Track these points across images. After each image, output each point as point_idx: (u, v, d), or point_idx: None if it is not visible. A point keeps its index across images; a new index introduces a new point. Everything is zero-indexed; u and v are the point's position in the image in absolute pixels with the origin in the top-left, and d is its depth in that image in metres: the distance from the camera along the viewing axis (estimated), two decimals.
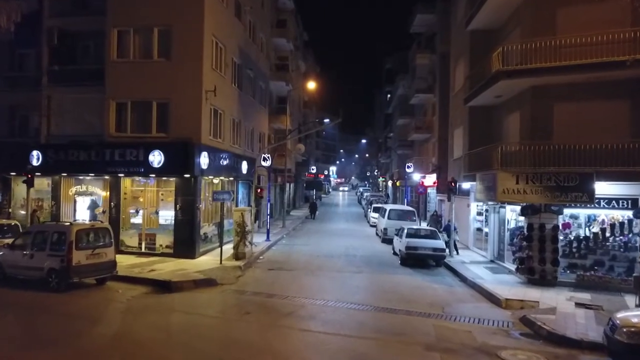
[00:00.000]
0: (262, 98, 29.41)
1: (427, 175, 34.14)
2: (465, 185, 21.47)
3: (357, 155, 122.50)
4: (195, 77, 18.28)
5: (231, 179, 22.59)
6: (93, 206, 19.74)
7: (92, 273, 13.76)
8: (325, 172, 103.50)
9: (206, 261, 17.97)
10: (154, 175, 18.43)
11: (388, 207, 26.14)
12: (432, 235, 19.40)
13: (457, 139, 23.03)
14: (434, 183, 32.48)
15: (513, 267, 17.24)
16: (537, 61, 14.73)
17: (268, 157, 24.38)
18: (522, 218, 16.49)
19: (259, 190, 20.69)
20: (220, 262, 17.39)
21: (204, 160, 18.18)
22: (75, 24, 19.95)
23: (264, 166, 24.42)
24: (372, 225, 33.49)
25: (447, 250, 19.52)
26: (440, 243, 18.75)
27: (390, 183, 48.97)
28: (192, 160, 17.69)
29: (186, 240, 18.30)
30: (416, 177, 35.93)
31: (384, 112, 63.00)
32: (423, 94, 34.73)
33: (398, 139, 46.61)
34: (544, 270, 15.13)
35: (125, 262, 17.01)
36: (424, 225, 27.79)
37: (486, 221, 21.09)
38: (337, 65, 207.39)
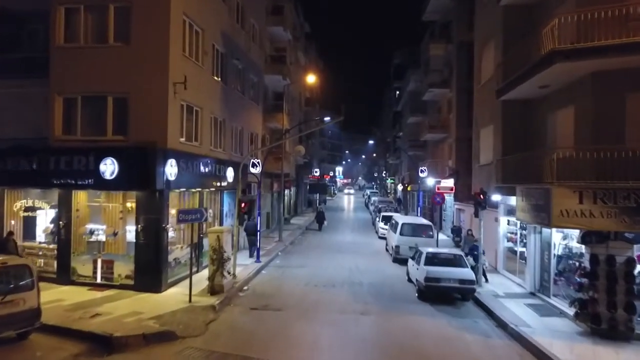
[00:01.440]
0: (255, 94, 25.68)
1: (442, 181, 30.26)
2: (495, 196, 17.59)
3: (364, 156, 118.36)
4: (160, 65, 14.58)
5: (212, 189, 18.91)
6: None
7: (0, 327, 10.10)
8: (331, 173, 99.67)
9: (174, 296, 14.29)
10: (108, 190, 14.81)
11: (400, 219, 22.30)
12: (457, 262, 15.54)
13: (485, 140, 19.15)
14: (451, 189, 28.59)
15: (563, 305, 13.43)
16: (600, 38, 10.90)
17: (258, 162, 20.64)
18: (576, 243, 12.68)
19: (242, 204, 16.96)
20: (190, 300, 13.68)
21: (170, 169, 14.49)
22: (17, 3, 16.33)
23: (253, 173, 20.71)
24: (380, 237, 29.70)
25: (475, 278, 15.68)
26: (468, 273, 14.90)
27: (400, 186, 45.09)
28: (154, 170, 13.99)
29: (150, 269, 14.64)
30: (430, 181, 32.04)
31: (392, 109, 59.10)
32: (438, 88, 30.85)
33: (408, 138, 42.73)
34: (614, 318, 11.28)
35: (69, 300, 13.47)
36: (442, 238, 23.97)
37: (522, 242, 17.21)
38: (342, 60, 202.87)
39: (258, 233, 20.74)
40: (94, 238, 15.44)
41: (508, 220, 18.74)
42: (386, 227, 29.53)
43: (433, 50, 30.93)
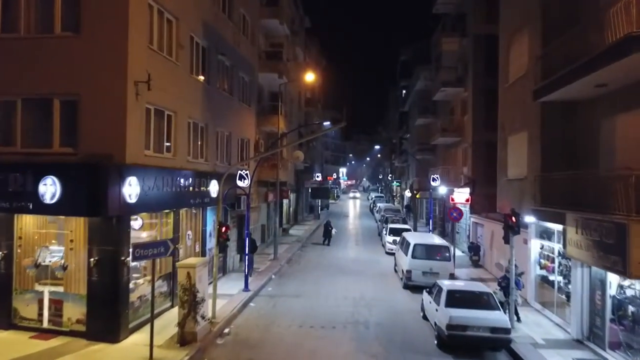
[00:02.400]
0: (246, 94, 22.78)
1: (456, 190, 27.31)
2: (529, 218, 14.61)
3: (368, 158, 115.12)
4: (117, 60, 11.70)
5: (191, 209, 16.05)
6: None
7: None
8: (335, 175, 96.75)
9: (133, 349, 11.44)
10: (50, 215, 11.98)
11: (411, 238, 19.31)
12: (486, 302, 12.58)
13: (515, 149, 16.16)
14: (467, 200, 25.64)
15: None
16: None
17: (246, 174, 17.71)
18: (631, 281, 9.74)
19: (223, 229, 14.04)
20: (150, 357, 10.80)
21: (130, 189, 11.61)
22: None
23: (240, 187, 17.80)
24: (388, 253, 26.77)
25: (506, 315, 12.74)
26: (501, 319, 11.93)
27: (407, 192, 42.07)
28: (106, 191, 11.12)
29: (106, 312, 11.81)
30: (442, 189, 29.07)
31: (398, 109, 56.05)
32: (451, 87, 27.87)
33: (417, 141, 39.72)
34: None
35: (2, 356, 10.66)
36: (457, 254, 20.89)
37: (562, 272, 14.25)
38: (345, 57, 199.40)
39: (247, 257, 17.81)
40: (40, 272, 12.64)
41: (542, 245, 15.77)
42: (394, 240, 26.64)
43: (445, 45, 27.95)
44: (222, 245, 14.46)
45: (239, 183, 17.68)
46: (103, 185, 11.10)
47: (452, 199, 26.54)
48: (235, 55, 20.42)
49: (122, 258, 11.80)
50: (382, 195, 64.41)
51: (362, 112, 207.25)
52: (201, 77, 16.75)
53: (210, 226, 18.26)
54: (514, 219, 13.50)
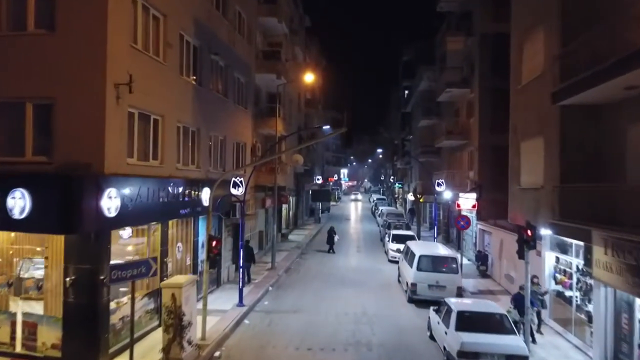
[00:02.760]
0: (242, 96, 21.73)
1: (462, 195, 26.21)
2: (545, 231, 13.51)
3: (370, 160, 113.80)
4: (95, 60, 10.65)
5: (181, 219, 14.99)
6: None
7: None
8: (336, 176, 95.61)
9: None
10: (20, 231, 10.94)
11: (416, 248, 18.20)
12: (501, 324, 11.50)
13: (529, 156, 15.05)
14: (473, 206, 24.55)
15: None
16: None
17: (240, 181, 16.64)
18: None
19: (213, 243, 12.95)
20: None
21: (110, 202, 10.55)
22: None
23: (234, 195, 16.73)
24: (391, 261, 25.70)
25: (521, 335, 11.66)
26: (518, 344, 10.84)
27: (410, 195, 40.94)
28: (80, 206, 10.06)
29: (83, 337, 10.76)
30: (447, 194, 27.99)
31: (400, 110, 54.89)
32: (456, 88, 26.77)
33: (420, 143, 38.60)
34: None
35: None
36: (463, 262, 19.68)
37: (580, 288, 13.16)
38: (346, 57, 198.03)
39: (241, 270, 16.75)
40: (14, 291, 11.61)
41: (557, 258, 14.68)
42: (397, 248, 25.57)
43: (450, 44, 26.84)
44: (212, 261, 13.37)
45: (233, 191, 16.62)
46: (77, 198, 10.04)
47: (458, 205, 25.47)
48: (230, 54, 19.36)
49: (102, 277, 10.74)
50: (384, 197, 63.02)
51: (362, 112, 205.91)
52: (192, 78, 15.70)
53: (203, 236, 17.20)
54: (529, 232, 12.40)
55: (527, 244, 12.51)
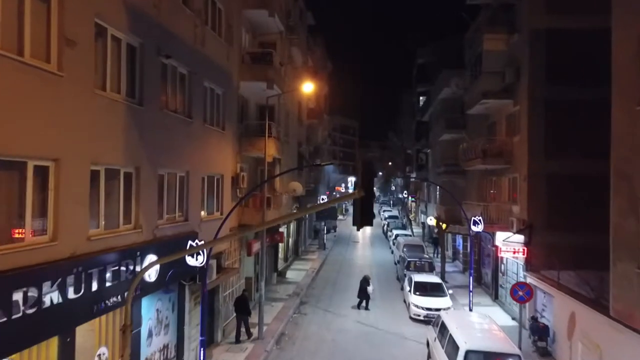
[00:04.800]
0: (218, 112, 16.41)
1: (502, 234, 20.67)
2: None
3: (380, 173, 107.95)
4: None
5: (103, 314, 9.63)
6: None
7: None
8: (343, 185, 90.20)
9: None
10: None
11: (459, 335, 12.63)
12: None
13: None
14: (522, 252, 19.01)
15: None
16: None
17: (201, 252, 11.23)
18: None
19: None
20: None
21: None
22: None
23: (191, 266, 11.39)
24: (414, 318, 20.26)
25: None
26: None
27: (430, 220, 35.39)
28: None
29: None
30: (476, 227, 22.28)
31: (415, 117, 49.34)
32: (496, 99, 21.28)
33: (442, 160, 33.04)
34: None
35: None
36: (504, 322, 13.90)
37: None
38: (354, 57, 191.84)
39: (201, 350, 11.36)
40: None
41: None
42: (423, 305, 20.15)
43: (488, 43, 21.31)
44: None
45: (190, 261, 11.23)
46: None
47: (499, 250, 19.94)
48: (196, 57, 14.02)
49: None
50: (397, 215, 57.13)
51: (371, 115, 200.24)
52: (124, 95, 10.35)
53: (149, 322, 11.88)
54: None
55: None
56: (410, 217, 54.88)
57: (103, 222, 9.66)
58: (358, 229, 6.65)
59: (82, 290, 8.55)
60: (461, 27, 29.99)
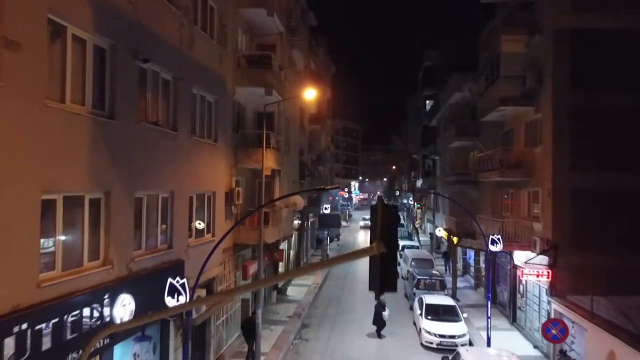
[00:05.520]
0: (209, 123, 14.73)
1: (521, 253, 18.97)
2: None
3: (385, 179, 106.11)
4: None
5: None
6: None
7: None
8: (346, 190, 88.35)
9: None
10: None
11: None
12: None
13: None
14: (546, 276, 17.25)
15: None
16: None
17: (182, 284, 9.57)
18: None
19: None
20: None
21: None
22: None
23: (170, 307, 9.74)
24: (425, 346, 18.51)
25: None
26: None
27: (439, 231, 33.65)
28: None
29: None
30: (494, 247, 20.46)
31: (421, 122, 47.61)
32: (515, 105, 19.55)
33: (451, 168, 31.30)
34: None
35: None
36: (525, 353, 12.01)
37: None
38: (356, 58, 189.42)
39: None
40: None
41: None
42: (435, 331, 18.39)
43: (506, 44, 19.56)
44: None
45: (169, 302, 9.52)
46: None
47: (515, 267, 18.21)
48: (183, 61, 12.34)
49: None
50: (402, 223, 55.23)
51: (374, 118, 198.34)
52: (90, 107, 8.68)
53: None
54: None
55: None
56: (416, 224, 52.96)
57: (60, 263, 7.97)
58: (377, 297, 5.00)
59: (28, 353, 6.86)
60: (471, 29, 28.30)
